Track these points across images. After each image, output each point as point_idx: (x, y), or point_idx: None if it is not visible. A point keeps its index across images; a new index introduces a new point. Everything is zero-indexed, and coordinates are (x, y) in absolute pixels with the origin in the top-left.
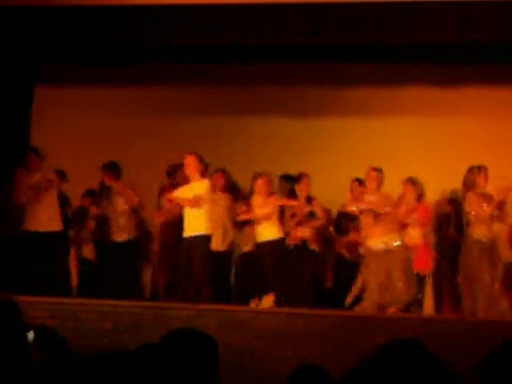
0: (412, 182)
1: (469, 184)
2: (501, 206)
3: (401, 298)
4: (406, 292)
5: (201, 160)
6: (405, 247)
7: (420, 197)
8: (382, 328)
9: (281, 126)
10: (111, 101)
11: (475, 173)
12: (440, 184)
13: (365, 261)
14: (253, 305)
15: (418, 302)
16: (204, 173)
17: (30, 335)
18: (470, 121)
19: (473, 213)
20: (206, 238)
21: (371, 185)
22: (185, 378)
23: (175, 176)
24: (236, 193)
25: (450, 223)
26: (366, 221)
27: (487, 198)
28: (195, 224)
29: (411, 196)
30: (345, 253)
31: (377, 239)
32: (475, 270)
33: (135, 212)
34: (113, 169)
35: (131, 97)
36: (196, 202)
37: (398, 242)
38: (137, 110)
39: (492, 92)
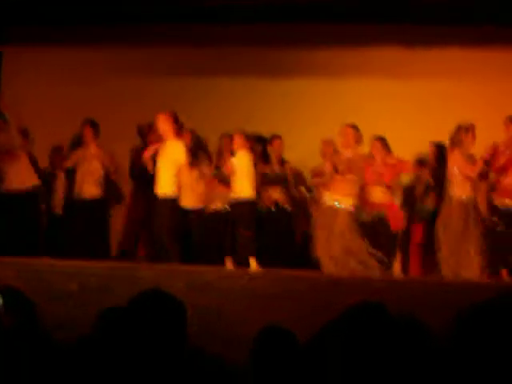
0: (379, 140)
1: (455, 142)
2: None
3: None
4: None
5: (175, 119)
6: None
7: (387, 156)
8: (352, 290)
9: (250, 86)
10: (80, 63)
11: (463, 132)
12: (408, 144)
13: (320, 218)
14: (228, 263)
15: (387, 263)
16: (179, 132)
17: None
18: (439, 81)
19: (456, 172)
20: (175, 200)
21: (347, 142)
22: (153, 341)
23: (147, 137)
24: (204, 153)
25: (420, 184)
26: (333, 176)
27: (472, 159)
28: (167, 185)
29: (378, 155)
30: None
31: (335, 197)
32: (457, 230)
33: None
34: (94, 127)
35: (100, 59)
36: (178, 170)
37: (350, 206)
38: (106, 72)
39: (462, 53)
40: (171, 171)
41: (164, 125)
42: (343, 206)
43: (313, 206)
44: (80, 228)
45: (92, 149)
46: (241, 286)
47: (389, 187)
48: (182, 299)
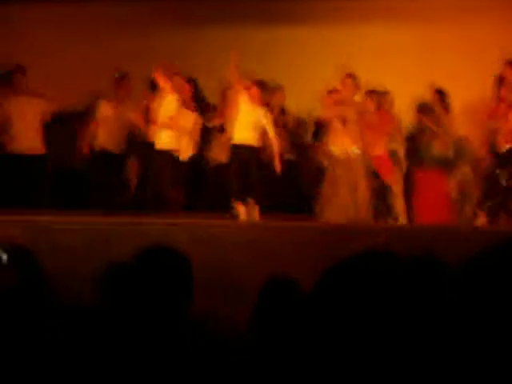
0: (372, 93)
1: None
2: None
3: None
4: (368, 201)
5: (170, 72)
6: (364, 157)
7: (382, 106)
8: (357, 238)
9: (249, 36)
10: (83, 19)
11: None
12: (408, 93)
13: (329, 168)
14: (239, 208)
15: (389, 212)
16: (174, 81)
17: (4, 256)
18: (437, 29)
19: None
20: (174, 154)
21: (346, 92)
22: (159, 298)
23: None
24: (202, 103)
25: (423, 132)
26: (334, 127)
27: None
28: (165, 138)
29: (372, 106)
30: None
31: (342, 147)
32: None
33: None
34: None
35: (100, 14)
36: (170, 124)
37: (357, 152)
38: (107, 27)
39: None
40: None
41: (159, 79)
42: (353, 156)
43: (319, 155)
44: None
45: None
46: (245, 238)
47: (384, 136)
48: (186, 253)
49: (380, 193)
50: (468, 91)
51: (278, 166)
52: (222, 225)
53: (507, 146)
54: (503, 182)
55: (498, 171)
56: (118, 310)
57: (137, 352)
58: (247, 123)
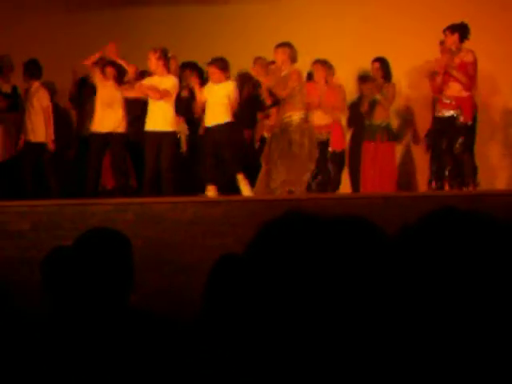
0: (321, 63)
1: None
2: None
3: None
4: (305, 169)
5: (164, 55)
6: (306, 126)
7: (330, 78)
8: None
9: (182, 13)
10: None
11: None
12: (351, 62)
13: (267, 140)
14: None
15: (335, 181)
16: (169, 67)
17: None
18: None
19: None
20: (174, 135)
21: (281, 61)
22: (99, 278)
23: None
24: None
25: (365, 101)
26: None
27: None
28: (162, 119)
29: (320, 77)
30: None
31: (282, 117)
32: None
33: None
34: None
35: None
36: (164, 94)
37: (299, 120)
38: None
39: None
40: (164, 106)
41: (152, 62)
42: (294, 124)
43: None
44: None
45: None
46: (190, 215)
47: (332, 109)
48: (131, 232)
49: (327, 163)
50: (410, 59)
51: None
52: (168, 202)
53: (447, 114)
54: (443, 148)
55: (439, 138)
56: (60, 294)
57: (77, 336)
58: (213, 104)
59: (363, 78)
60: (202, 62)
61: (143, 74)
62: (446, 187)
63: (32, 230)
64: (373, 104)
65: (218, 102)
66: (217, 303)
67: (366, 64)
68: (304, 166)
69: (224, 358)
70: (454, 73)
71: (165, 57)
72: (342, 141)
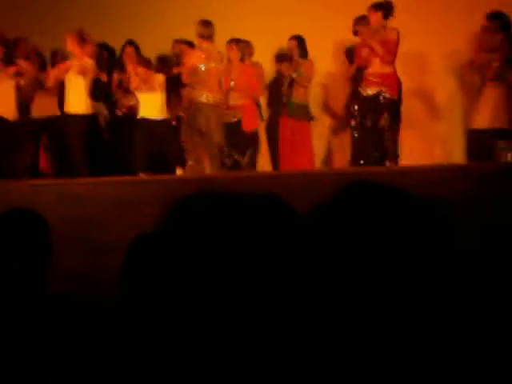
0: (235, 42)
1: None
2: None
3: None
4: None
5: (80, 37)
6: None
7: (244, 57)
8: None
9: None
10: None
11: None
12: (272, 43)
13: (187, 119)
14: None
15: (251, 161)
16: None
17: None
18: None
19: None
20: (85, 118)
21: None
22: (16, 261)
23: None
24: None
25: (283, 80)
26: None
27: None
28: (76, 101)
29: (234, 57)
30: None
31: (201, 92)
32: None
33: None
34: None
35: None
36: (83, 69)
37: (214, 101)
38: None
39: None
40: (82, 88)
41: (69, 44)
42: (209, 103)
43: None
44: None
45: None
46: (111, 194)
47: (247, 89)
48: (51, 212)
49: (242, 143)
50: (331, 36)
51: None
52: (88, 183)
53: (371, 92)
54: (368, 126)
55: (364, 116)
56: None
57: None
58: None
59: (280, 57)
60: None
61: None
62: (372, 165)
63: None
64: (291, 83)
65: None
66: (133, 283)
67: (283, 42)
68: (210, 146)
69: (143, 341)
70: (375, 46)
71: (81, 39)
72: (254, 121)
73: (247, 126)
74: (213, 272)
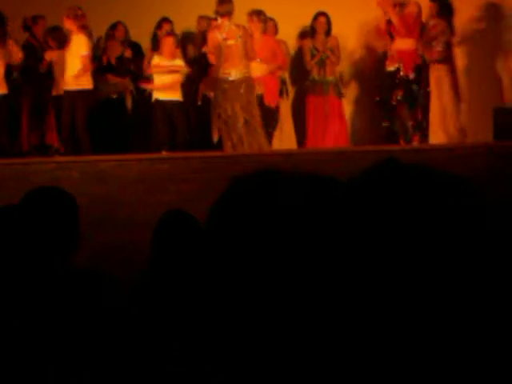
0: (256, 14)
1: None
2: None
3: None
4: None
5: (75, 15)
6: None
7: (267, 30)
8: (247, 166)
9: None
10: None
11: None
12: (294, 19)
13: (217, 94)
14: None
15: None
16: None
17: None
18: None
19: None
20: (89, 92)
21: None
22: (44, 237)
23: (34, 30)
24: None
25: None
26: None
27: None
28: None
29: (256, 29)
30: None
31: (226, 70)
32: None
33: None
34: None
35: None
36: (85, 63)
37: (243, 75)
38: None
39: None
40: (77, 65)
41: (66, 23)
42: (239, 81)
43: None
44: None
45: None
46: (136, 172)
47: (266, 61)
48: (77, 190)
49: (265, 117)
50: (355, 16)
51: None
52: (112, 160)
53: (392, 68)
54: (393, 102)
55: (388, 93)
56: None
57: (21, 299)
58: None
59: (307, 34)
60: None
61: None
62: (401, 142)
63: None
64: (322, 59)
65: None
66: (163, 260)
67: (307, 20)
68: (256, 120)
69: (169, 319)
70: (394, 19)
71: (77, 16)
72: (276, 96)
73: (269, 101)
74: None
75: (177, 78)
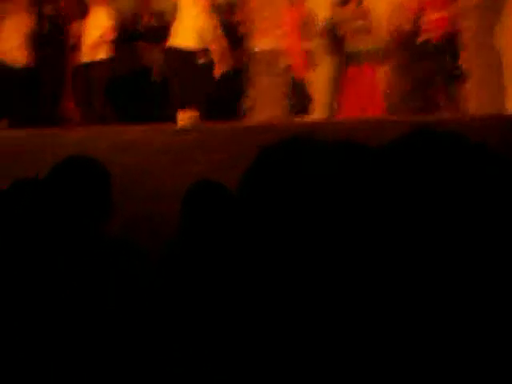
0: None
1: None
2: None
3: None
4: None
5: None
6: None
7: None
8: (275, 136)
9: None
10: None
11: None
12: None
13: (248, 67)
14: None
15: (304, 108)
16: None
17: None
18: None
19: None
20: (107, 61)
21: None
22: (78, 210)
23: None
24: None
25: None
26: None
27: None
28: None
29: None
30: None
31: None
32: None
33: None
34: None
35: None
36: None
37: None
38: None
39: None
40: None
41: None
42: (267, 52)
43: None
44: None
45: None
46: (162, 142)
47: (296, 30)
48: (105, 160)
49: (295, 88)
50: None
51: (217, 70)
52: (140, 130)
53: (423, 38)
54: (420, 74)
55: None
56: (34, 224)
57: (55, 269)
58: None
59: (339, 3)
60: None
61: None
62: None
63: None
64: (356, 29)
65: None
66: (193, 230)
67: None
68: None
69: (198, 291)
70: None
71: None
72: (305, 67)
73: (300, 71)
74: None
75: None
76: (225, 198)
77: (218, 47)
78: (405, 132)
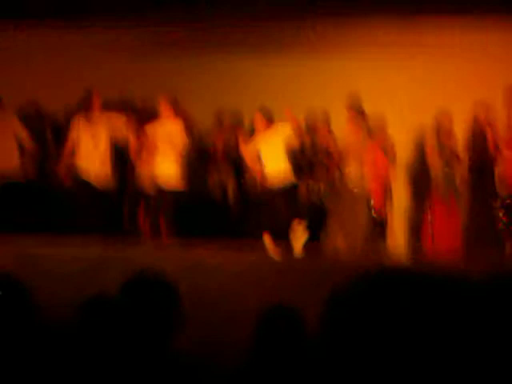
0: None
1: None
2: None
3: None
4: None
5: (172, 102)
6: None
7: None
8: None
9: (242, 65)
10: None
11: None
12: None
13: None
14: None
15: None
16: (176, 111)
17: None
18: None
19: None
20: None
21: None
22: (147, 329)
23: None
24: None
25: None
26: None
27: None
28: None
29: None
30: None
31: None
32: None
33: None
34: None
35: (97, 40)
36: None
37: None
38: (103, 52)
39: None
40: (171, 152)
41: (162, 107)
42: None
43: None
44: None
45: None
46: (241, 270)
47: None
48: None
49: (373, 226)
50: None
51: None
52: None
53: None
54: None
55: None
56: (103, 342)
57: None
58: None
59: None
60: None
61: None
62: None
63: (75, 274)
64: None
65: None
66: (265, 355)
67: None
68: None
69: None
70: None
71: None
72: (383, 201)
73: (377, 208)
74: None
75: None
76: (298, 323)
77: None
78: None
